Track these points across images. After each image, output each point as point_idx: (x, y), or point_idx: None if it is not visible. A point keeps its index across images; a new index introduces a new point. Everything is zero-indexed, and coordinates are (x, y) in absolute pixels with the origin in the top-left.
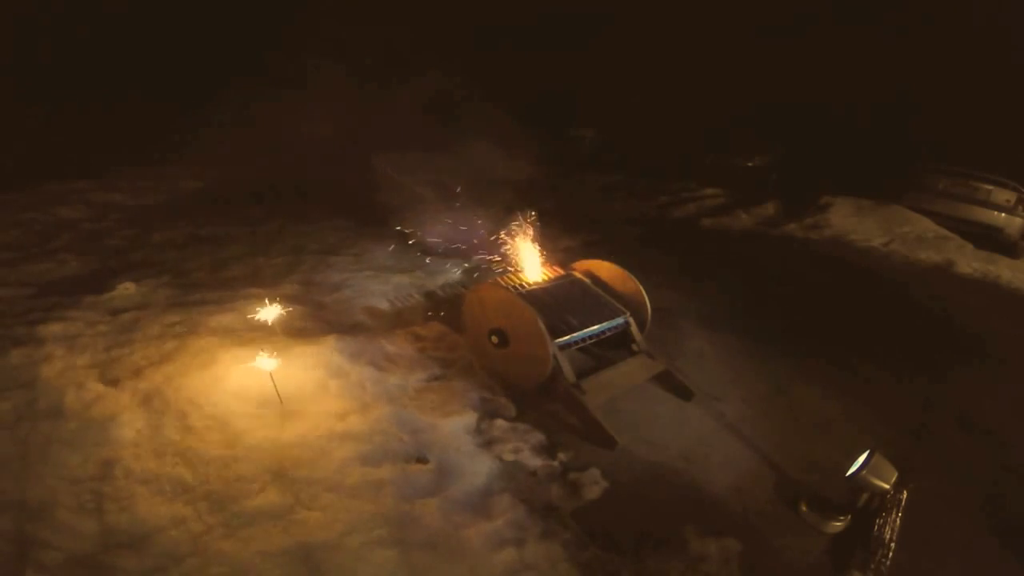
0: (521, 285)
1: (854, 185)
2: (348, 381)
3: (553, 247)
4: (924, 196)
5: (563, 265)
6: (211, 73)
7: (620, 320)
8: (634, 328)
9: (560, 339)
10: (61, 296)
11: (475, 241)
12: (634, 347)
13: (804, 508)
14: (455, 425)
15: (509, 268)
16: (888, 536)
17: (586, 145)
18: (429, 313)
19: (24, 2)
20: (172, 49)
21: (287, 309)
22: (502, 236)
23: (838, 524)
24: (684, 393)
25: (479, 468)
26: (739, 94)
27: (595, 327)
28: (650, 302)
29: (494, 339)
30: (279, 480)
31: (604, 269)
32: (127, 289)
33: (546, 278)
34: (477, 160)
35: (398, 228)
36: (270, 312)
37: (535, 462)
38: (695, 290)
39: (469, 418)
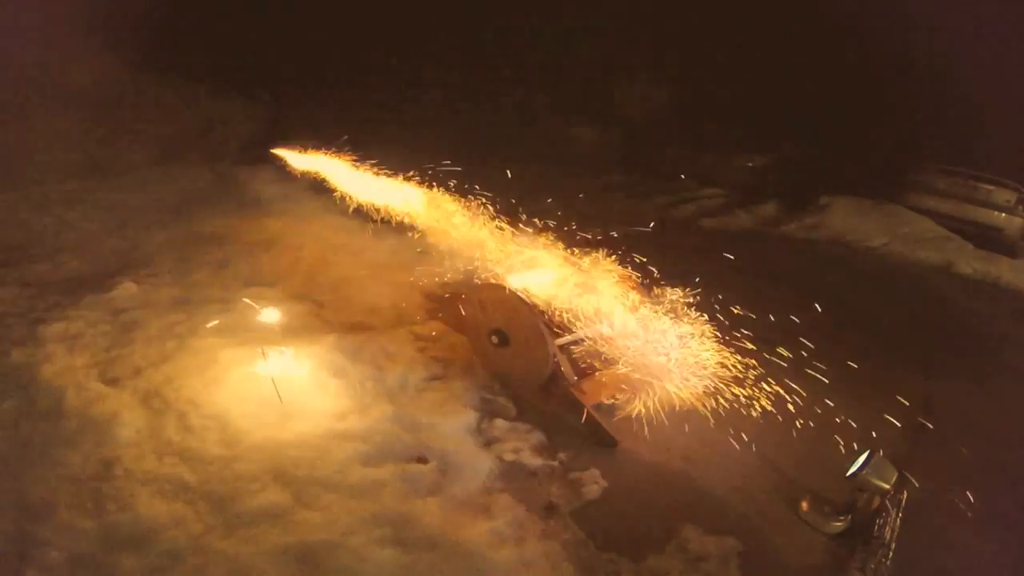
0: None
1: (854, 185)
2: (348, 380)
3: (553, 247)
4: (924, 196)
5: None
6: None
7: (620, 320)
8: (634, 328)
9: (560, 339)
10: (61, 296)
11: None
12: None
13: (804, 508)
14: (455, 425)
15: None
16: (888, 536)
17: (586, 144)
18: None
19: None
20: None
21: (287, 309)
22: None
23: (838, 524)
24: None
25: (479, 468)
26: (740, 94)
27: (595, 327)
28: (650, 302)
29: (494, 339)
30: (279, 480)
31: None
32: (127, 289)
33: (546, 278)
34: None
35: None
36: (270, 312)
37: (535, 462)
38: (695, 290)
39: (469, 418)
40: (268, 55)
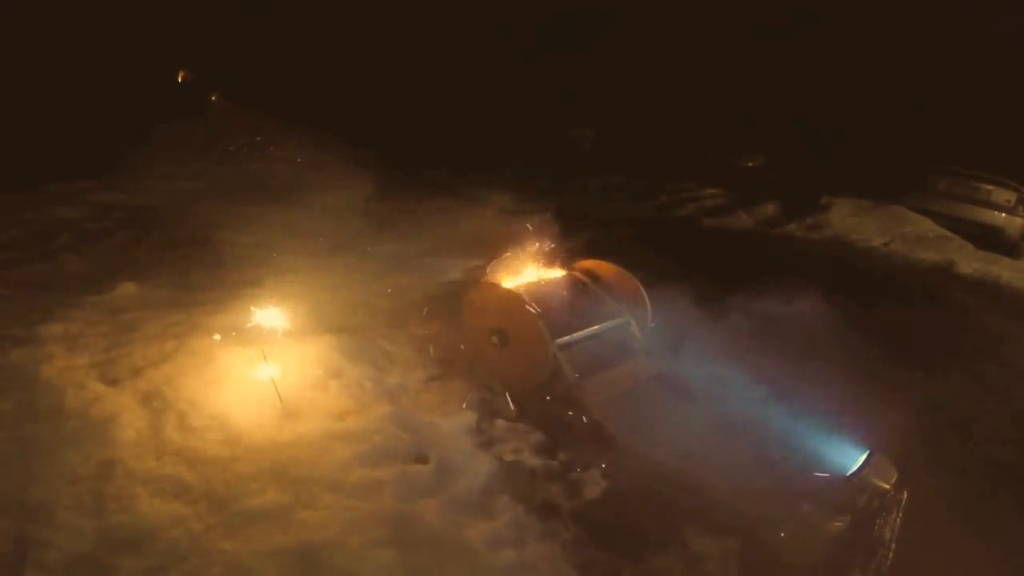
0: (521, 285)
1: (854, 185)
2: (347, 381)
3: (555, 247)
4: (924, 196)
5: (564, 265)
6: None
7: (621, 320)
8: (634, 328)
9: (560, 339)
10: (61, 296)
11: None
12: (635, 347)
13: (804, 508)
14: (455, 425)
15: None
16: (888, 536)
17: (586, 145)
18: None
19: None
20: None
21: (287, 309)
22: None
23: (838, 524)
24: (684, 393)
25: (479, 468)
26: (740, 94)
27: (596, 327)
28: (650, 302)
29: (494, 339)
30: (279, 480)
31: (604, 268)
32: (127, 289)
33: (547, 278)
34: None
35: None
36: (270, 312)
37: (535, 462)
38: (695, 290)
39: (469, 418)
40: None
